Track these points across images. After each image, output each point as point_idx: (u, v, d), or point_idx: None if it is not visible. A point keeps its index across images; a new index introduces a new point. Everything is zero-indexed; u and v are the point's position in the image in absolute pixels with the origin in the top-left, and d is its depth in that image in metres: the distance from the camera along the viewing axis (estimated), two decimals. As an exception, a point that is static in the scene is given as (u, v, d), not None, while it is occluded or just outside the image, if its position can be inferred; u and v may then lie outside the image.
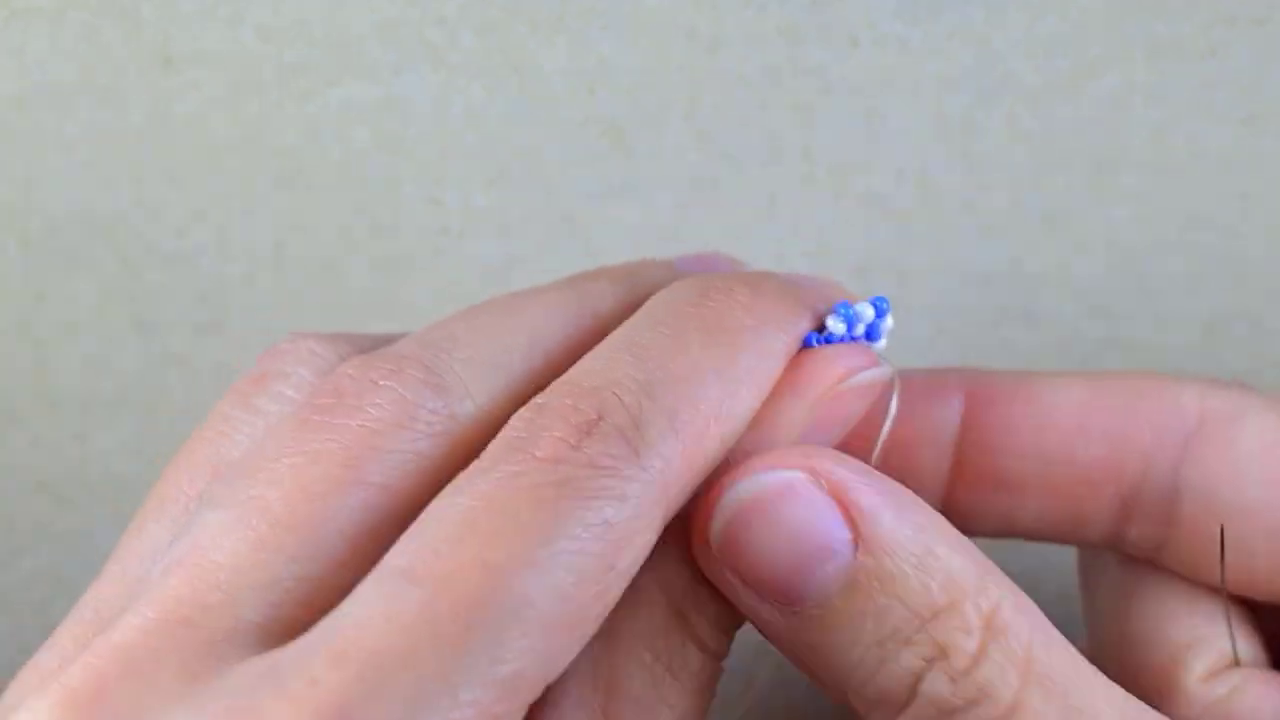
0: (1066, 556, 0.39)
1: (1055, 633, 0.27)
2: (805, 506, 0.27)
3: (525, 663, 0.24)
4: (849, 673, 0.27)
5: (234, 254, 0.43)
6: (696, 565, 0.28)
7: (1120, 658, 0.34)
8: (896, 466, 0.33)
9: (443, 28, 0.43)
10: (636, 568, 0.26)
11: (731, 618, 0.29)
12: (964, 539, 0.27)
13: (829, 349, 0.30)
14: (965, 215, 0.43)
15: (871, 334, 0.31)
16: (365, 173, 0.43)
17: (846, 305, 0.31)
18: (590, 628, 0.25)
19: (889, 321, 0.32)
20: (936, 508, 0.28)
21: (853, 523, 0.27)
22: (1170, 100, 0.43)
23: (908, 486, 0.28)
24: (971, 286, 0.43)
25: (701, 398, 0.27)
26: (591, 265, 0.43)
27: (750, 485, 0.27)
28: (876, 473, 0.27)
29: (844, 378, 0.29)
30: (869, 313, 0.31)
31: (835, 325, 0.30)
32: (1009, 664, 0.26)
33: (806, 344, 0.30)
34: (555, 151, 0.43)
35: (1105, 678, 0.27)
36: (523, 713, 0.24)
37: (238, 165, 0.43)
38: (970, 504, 0.35)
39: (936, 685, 0.26)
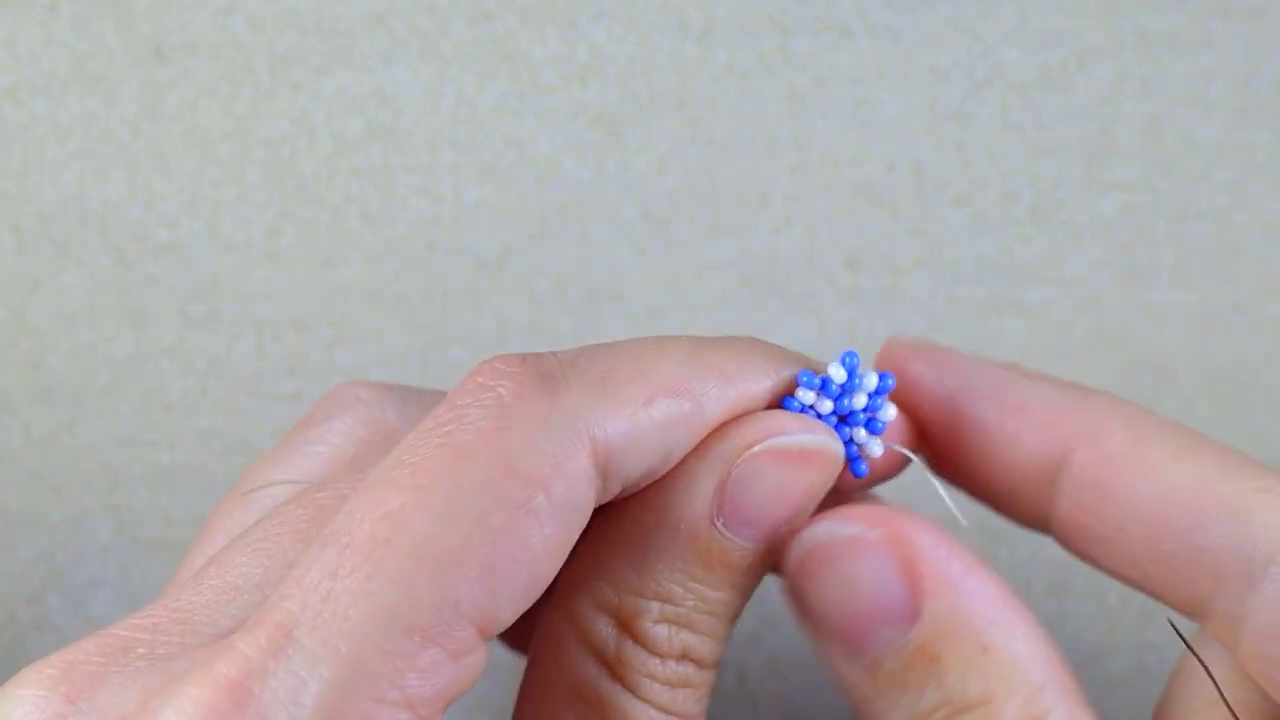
0: (1058, 550, 0.39)
1: None
2: (869, 566, 0.26)
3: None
4: None
5: (226, 244, 0.43)
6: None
7: None
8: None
9: (434, 17, 0.42)
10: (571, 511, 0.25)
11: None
12: (1036, 629, 0.26)
13: (755, 414, 0.28)
14: (957, 206, 0.43)
15: (871, 425, 0.29)
16: (357, 163, 0.43)
17: (808, 374, 0.28)
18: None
19: (890, 411, 0.29)
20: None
21: (916, 594, 0.26)
22: (1163, 91, 0.43)
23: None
24: (963, 278, 0.43)
25: (649, 370, 0.26)
26: (584, 259, 0.43)
27: (822, 531, 0.27)
28: (959, 547, 0.26)
29: (754, 441, 0.27)
30: (839, 374, 0.28)
31: (804, 395, 0.28)
32: None
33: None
34: (546, 141, 0.43)
35: None
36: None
37: (230, 155, 0.43)
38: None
39: None
